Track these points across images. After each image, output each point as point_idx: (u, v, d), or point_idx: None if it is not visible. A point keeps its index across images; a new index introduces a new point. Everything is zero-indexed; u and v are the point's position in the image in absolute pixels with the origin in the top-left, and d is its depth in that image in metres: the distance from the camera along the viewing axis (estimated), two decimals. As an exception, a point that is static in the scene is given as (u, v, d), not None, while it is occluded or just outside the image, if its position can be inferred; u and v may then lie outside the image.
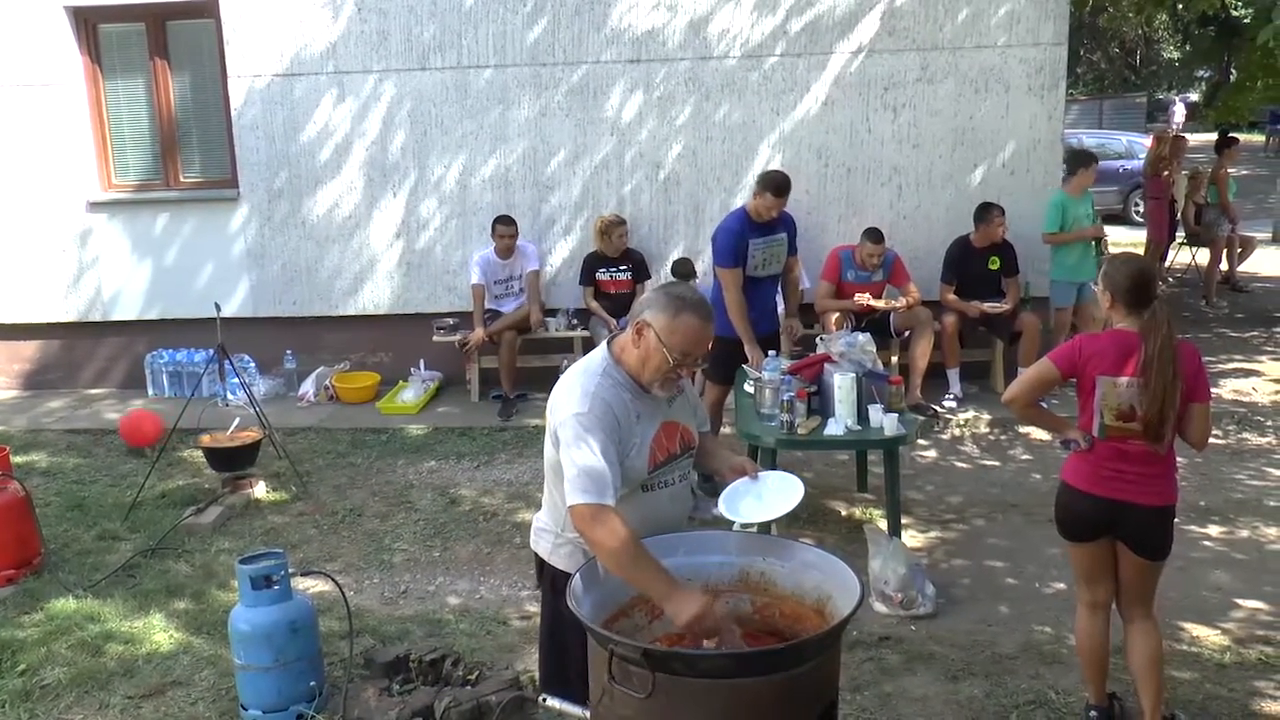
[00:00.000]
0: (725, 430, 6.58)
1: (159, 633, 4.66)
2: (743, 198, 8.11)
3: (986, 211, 7.52)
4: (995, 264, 7.66)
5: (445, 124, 8.19)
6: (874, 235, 7.43)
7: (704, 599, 2.57)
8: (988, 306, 7.57)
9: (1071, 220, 7.81)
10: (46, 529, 5.63)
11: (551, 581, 2.99)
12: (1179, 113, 31.96)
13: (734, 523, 2.94)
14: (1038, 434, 7.11)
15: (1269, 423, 7.22)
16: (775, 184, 5.93)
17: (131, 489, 6.35)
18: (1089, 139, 19.04)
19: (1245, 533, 5.53)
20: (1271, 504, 5.90)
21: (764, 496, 2.95)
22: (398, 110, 8.19)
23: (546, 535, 3.01)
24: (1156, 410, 3.39)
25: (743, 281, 5.96)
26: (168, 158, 8.62)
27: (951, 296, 7.67)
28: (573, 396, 2.76)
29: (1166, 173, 11.34)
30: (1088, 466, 3.57)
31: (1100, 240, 8.05)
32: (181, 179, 8.66)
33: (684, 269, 7.98)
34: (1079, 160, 8.00)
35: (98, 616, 4.79)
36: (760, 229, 5.99)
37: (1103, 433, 3.51)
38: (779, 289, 6.44)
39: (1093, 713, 3.77)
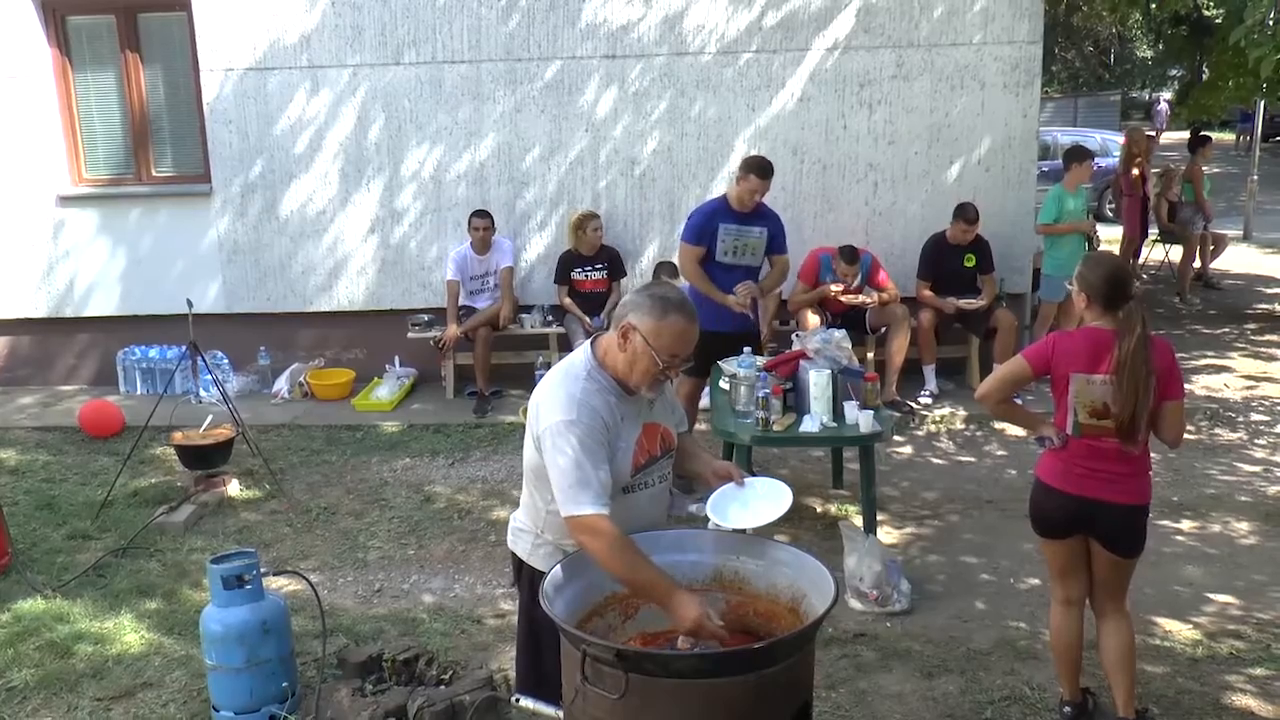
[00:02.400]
0: (700, 427, 6.57)
1: (129, 633, 4.61)
2: (718, 193, 8.09)
3: (964, 211, 7.53)
4: (971, 261, 7.69)
5: (419, 119, 8.14)
6: (848, 255, 7.40)
7: (701, 607, 2.57)
8: (963, 303, 7.60)
9: (1066, 214, 7.87)
10: (15, 528, 5.56)
11: (530, 581, 2.97)
12: (1163, 112, 32.18)
13: (711, 522, 2.93)
14: (1013, 430, 7.13)
15: (1240, 418, 7.28)
16: (758, 166, 5.93)
17: (102, 487, 6.27)
18: (1064, 136, 19.18)
19: (1217, 528, 5.57)
20: (1243, 499, 5.95)
21: (750, 503, 2.93)
22: (372, 105, 8.14)
23: (525, 536, 3.00)
24: (1130, 409, 3.39)
25: (702, 258, 6.00)
26: (139, 151, 8.52)
27: (927, 293, 7.70)
28: (558, 402, 2.74)
29: (1137, 171, 11.43)
30: (1061, 464, 3.57)
31: (1092, 237, 8.11)
32: (153, 173, 8.57)
33: (670, 272, 7.87)
34: (1074, 156, 8.06)
35: (67, 617, 4.73)
36: (736, 217, 5.99)
37: (1077, 430, 3.51)
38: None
39: (1066, 708, 3.79)
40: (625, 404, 2.81)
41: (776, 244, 6.15)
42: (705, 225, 5.97)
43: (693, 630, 2.56)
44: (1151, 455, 3.62)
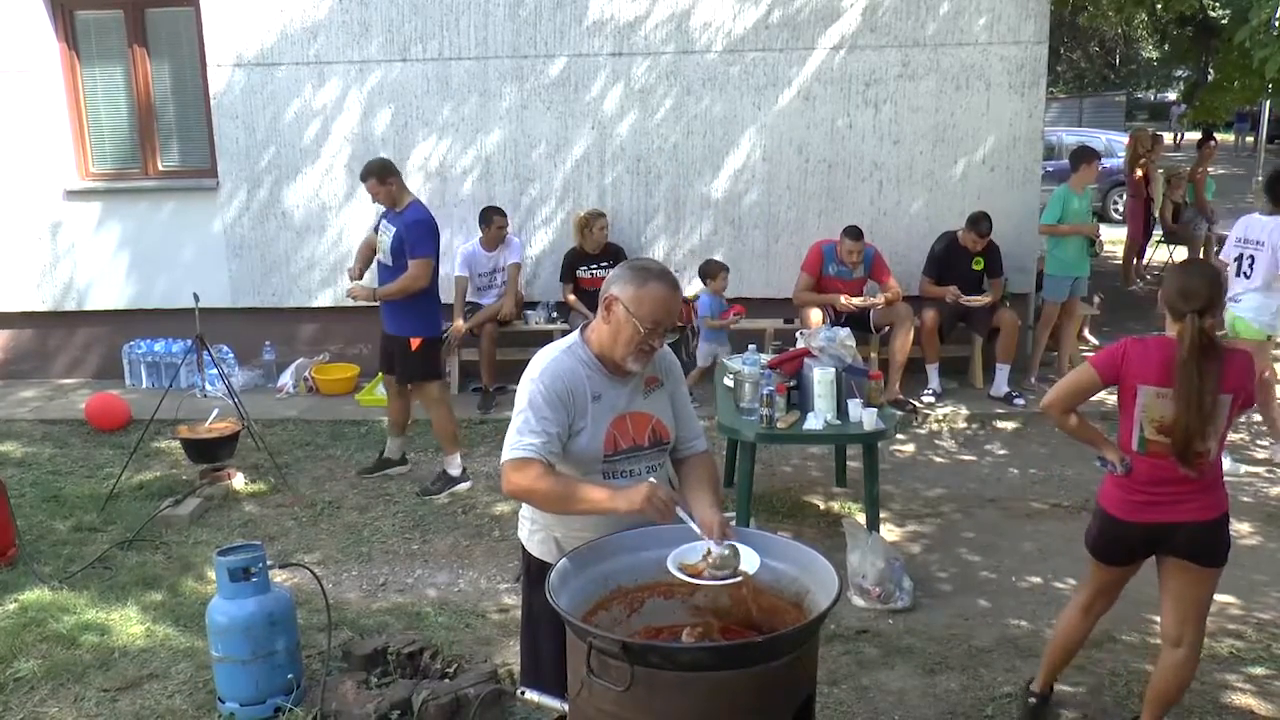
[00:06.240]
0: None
1: (135, 625, 4.63)
2: (722, 190, 8.16)
3: (977, 223, 7.55)
4: (979, 265, 7.71)
5: (426, 115, 8.16)
6: (853, 233, 7.45)
7: (644, 485, 2.65)
8: (966, 299, 7.60)
9: (1070, 214, 7.84)
10: (21, 520, 5.58)
11: (528, 568, 3.04)
12: (1178, 113, 32.13)
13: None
14: (1015, 429, 7.15)
15: (1242, 419, 7.28)
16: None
17: (108, 480, 6.30)
18: (1069, 137, 19.18)
19: (1218, 528, 5.57)
20: (1244, 499, 5.96)
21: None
22: (378, 101, 8.16)
23: (526, 522, 3.05)
24: (1182, 426, 3.20)
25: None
26: (146, 146, 8.55)
27: (931, 287, 7.73)
28: (531, 367, 2.85)
29: (1141, 172, 11.45)
30: (1125, 493, 3.38)
31: (1095, 239, 8.08)
32: (160, 167, 8.60)
33: (709, 270, 7.68)
34: (1082, 156, 8.01)
35: (73, 608, 4.76)
36: (389, 215, 6.12)
37: (1142, 446, 3.32)
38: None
39: (1032, 699, 3.78)
40: (605, 381, 2.85)
41: (406, 247, 5.95)
42: (377, 222, 6.24)
43: (646, 506, 2.61)
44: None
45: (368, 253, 6.35)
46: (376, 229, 6.23)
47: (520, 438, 2.74)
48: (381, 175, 5.97)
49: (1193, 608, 3.43)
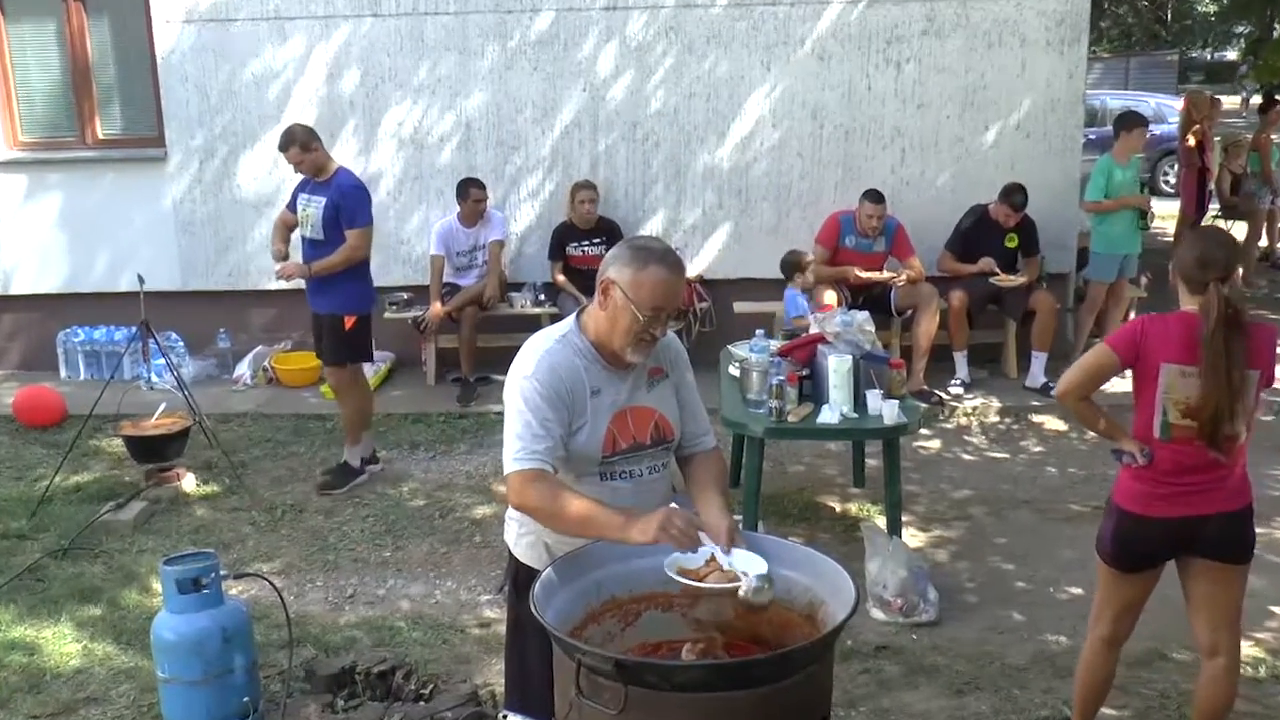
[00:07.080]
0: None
1: (70, 643, 4.62)
2: (727, 159, 8.15)
3: (1010, 196, 7.54)
4: (1013, 242, 7.70)
5: (399, 76, 8.14)
6: (874, 195, 7.46)
7: (660, 512, 2.62)
8: (999, 279, 7.56)
9: (1117, 187, 7.77)
10: (-56, 526, 5.58)
11: (515, 574, 3.03)
12: (1243, 72, 32.01)
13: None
14: (1052, 424, 7.15)
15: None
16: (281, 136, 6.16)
17: (40, 482, 6.30)
18: (1114, 100, 19.16)
19: None
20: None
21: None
22: (346, 60, 8.13)
23: (512, 524, 3.04)
24: (1211, 406, 3.20)
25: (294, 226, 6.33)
26: (83, 111, 8.52)
27: (952, 264, 7.72)
28: (522, 360, 2.82)
29: (1194, 140, 11.40)
30: (1147, 487, 3.37)
31: (1146, 212, 8.04)
32: (99, 135, 8.58)
33: (795, 262, 7.46)
34: (1124, 123, 7.92)
35: None
36: (309, 185, 6.16)
37: (1165, 432, 3.31)
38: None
39: None
40: (601, 375, 2.83)
41: (343, 217, 6.01)
42: (293, 196, 6.27)
43: (658, 538, 2.58)
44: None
45: (285, 232, 6.40)
46: (293, 206, 6.28)
47: (522, 444, 2.71)
48: (305, 143, 6.03)
49: (1225, 611, 3.46)
